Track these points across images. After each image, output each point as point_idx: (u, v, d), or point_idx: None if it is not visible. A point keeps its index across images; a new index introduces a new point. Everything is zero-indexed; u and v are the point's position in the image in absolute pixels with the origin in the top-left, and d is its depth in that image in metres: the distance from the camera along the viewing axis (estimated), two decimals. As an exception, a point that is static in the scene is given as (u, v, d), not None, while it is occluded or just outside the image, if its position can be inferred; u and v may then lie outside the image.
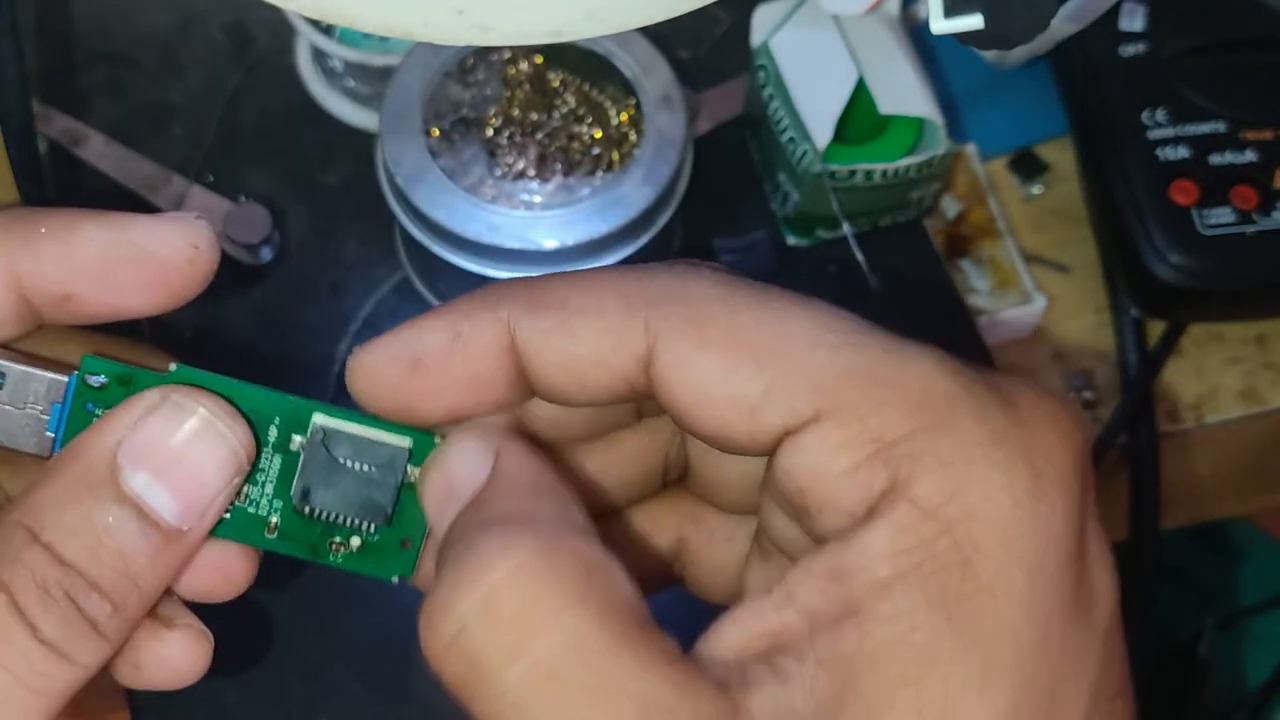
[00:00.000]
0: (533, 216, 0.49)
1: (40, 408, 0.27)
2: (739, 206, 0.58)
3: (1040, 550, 0.23)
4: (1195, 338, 0.58)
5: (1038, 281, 0.57)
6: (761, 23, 0.57)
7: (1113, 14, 0.58)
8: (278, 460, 0.28)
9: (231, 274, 0.56)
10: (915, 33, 0.58)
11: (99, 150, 0.58)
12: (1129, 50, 0.58)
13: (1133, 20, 0.59)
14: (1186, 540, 0.99)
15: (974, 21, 0.33)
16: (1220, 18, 0.58)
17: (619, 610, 0.23)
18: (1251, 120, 0.56)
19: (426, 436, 0.28)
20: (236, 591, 0.28)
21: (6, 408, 0.27)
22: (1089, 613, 0.24)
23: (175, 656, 0.27)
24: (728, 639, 0.23)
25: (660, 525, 0.31)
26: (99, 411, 0.27)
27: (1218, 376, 0.58)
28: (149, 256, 0.27)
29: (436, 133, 0.51)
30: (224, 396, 0.28)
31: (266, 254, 0.56)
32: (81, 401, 0.27)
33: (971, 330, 0.55)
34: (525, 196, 0.50)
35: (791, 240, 0.57)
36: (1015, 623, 0.22)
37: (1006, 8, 0.33)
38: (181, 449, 0.26)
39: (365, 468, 0.28)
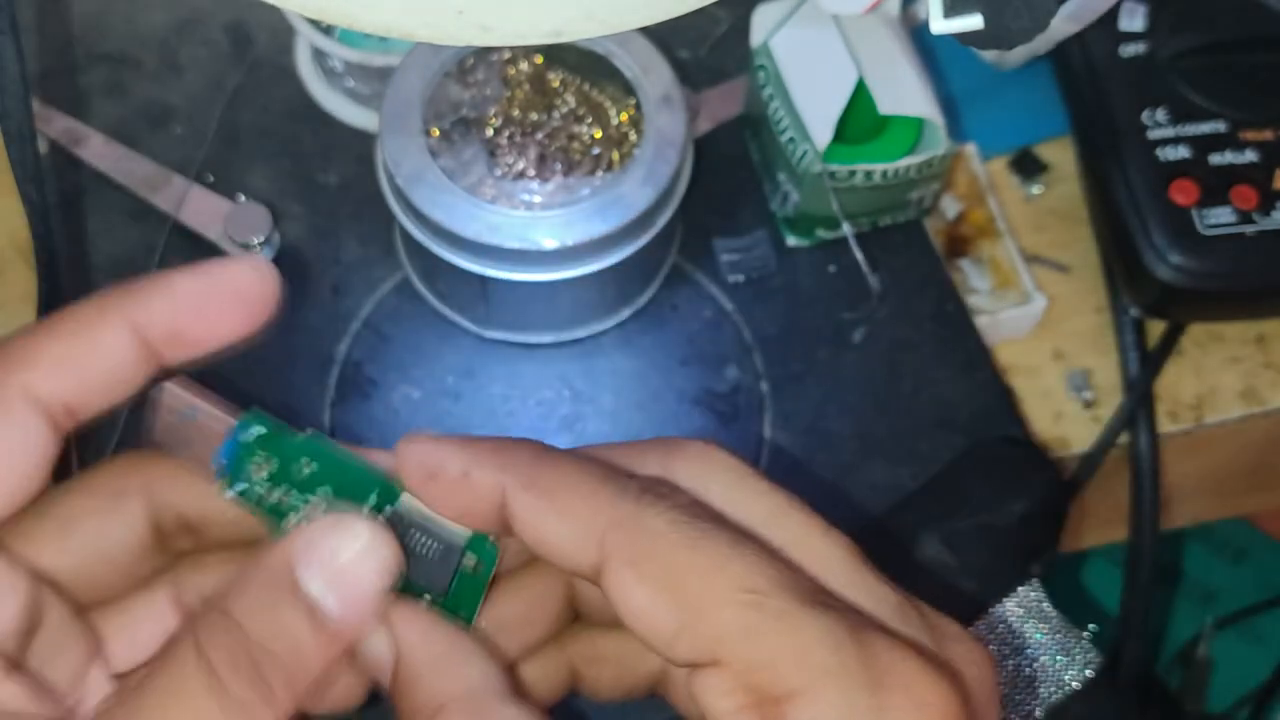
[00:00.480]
0: (533, 216, 0.49)
1: (219, 440, 0.35)
2: (739, 206, 0.58)
3: None
4: (1195, 338, 0.58)
5: (1038, 281, 0.58)
6: (761, 23, 0.57)
7: (1113, 14, 0.58)
8: None
9: (231, 274, 0.56)
10: (915, 33, 0.58)
11: (99, 150, 0.58)
12: (1129, 50, 0.58)
13: (1133, 20, 0.59)
14: (1186, 540, 0.99)
15: (974, 21, 0.33)
16: (1220, 18, 0.58)
17: None
18: (1251, 120, 0.56)
19: (482, 536, 0.34)
20: (348, 707, 0.35)
21: (195, 436, 0.35)
22: None
23: None
24: None
25: (553, 669, 0.36)
26: (257, 452, 0.35)
27: (1218, 376, 0.58)
28: (233, 290, 0.34)
29: (436, 133, 0.51)
30: (340, 467, 0.35)
31: (266, 254, 0.56)
32: (243, 443, 0.35)
33: (971, 330, 0.55)
34: (525, 196, 0.50)
35: (791, 240, 0.57)
36: None
37: (1006, 8, 0.33)
38: (347, 565, 0.32)
39: (433, 545, 0.34)
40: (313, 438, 0.35)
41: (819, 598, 0.30)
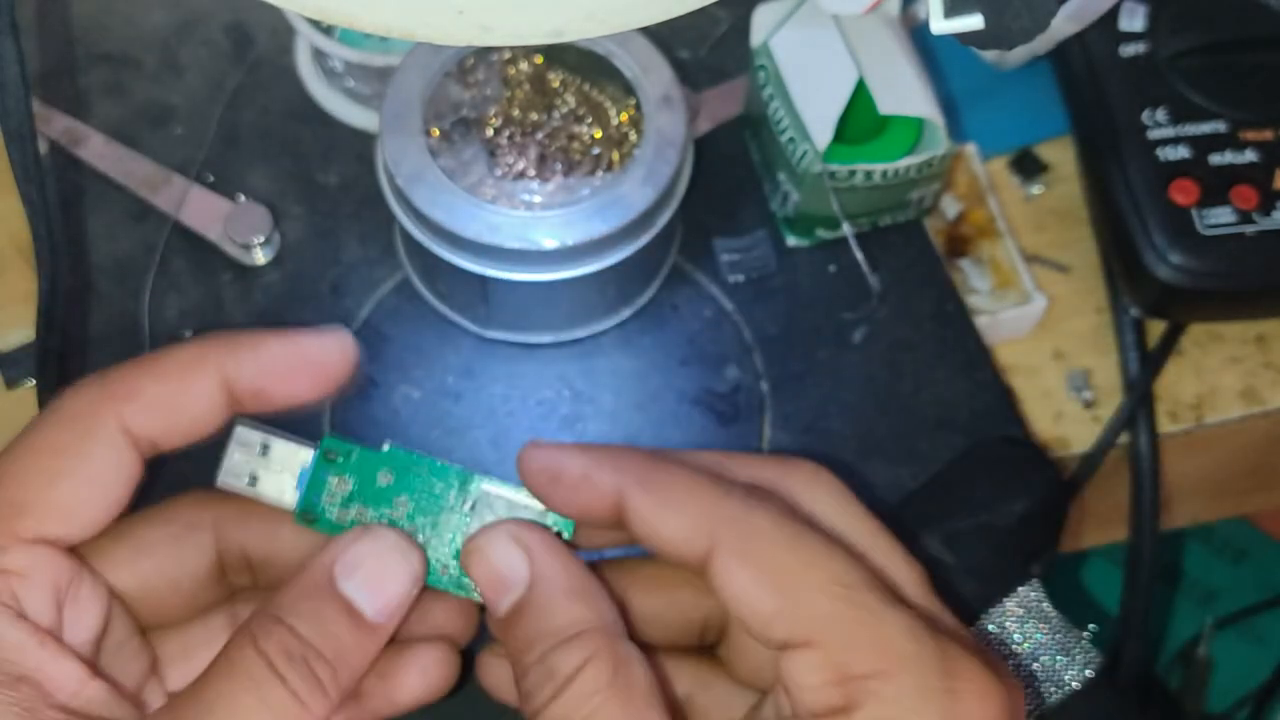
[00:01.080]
0: (533, 216, 0.49)
1: (291, 471, 0.38)
2: (739, 206, 0.58)
3: None
4: (1195, 338, 0.58)
5: (1038, 281, 0.58)
6: (761, 23, 0.57)
7: (1113, 14, 0.58)
8: (453, 518, 0.39)
9: (231, 274, 0.56)
10: (915, 33, 0.58)
11: (99, 150, 0.58)
12: (1129, 50, 0.58)
13: (1133, 20, 0.59)
14: (1186, 540, 0.99)
15: (974, 21, 0.33)
16: (1220, 18, 0.58)
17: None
18: (1251, 120, 0.56)
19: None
20: (440, 692, 0.39)
21: (266, 470, 0.38)
22: None
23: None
24: None
25: (676, 678, 0.39)
26: (334, 475, 0.39)
27: (1218, 376, 0.58)
28: (317, 358, 0.38)
29: (436, 133, 0.51)
30: (417, 468, 0.39)
31: (266, 254, 0.56)
32: (321, 469, 0.39)
33: (971, 330, 0.55)
34: (525, 196, 0.50)
35: (791, 240, 0.57)
36: None
37: (1007, 8, 0.33)
38: (379, 569, 0.36)
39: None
40: (391, 451, 0.39)
41: (899, 600, 0.34)
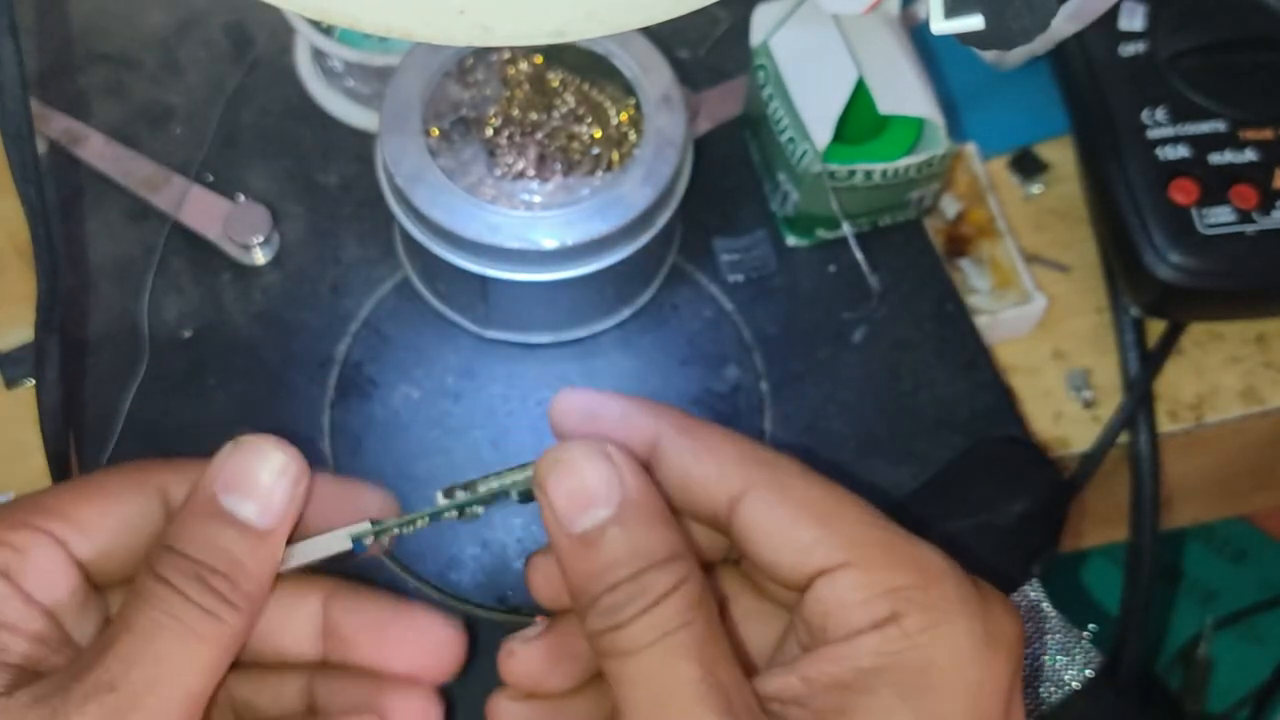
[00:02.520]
0: (533, 216, 0.49)
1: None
2: (739, 206, 0.58)
3: (979, 683, 0.34)
4: (1195, 338, 0.58)
5: (1038, 281, 0.58)
6: (761, 23, 0.57)
7: (1113, 14, 0.58)
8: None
9: (231, 274, 0.56)
10: (915, 33, 0.58)
11: (99, 150, 0.58)
12: (1129, 50, 0.58)
13: (1133, 20, 0.59)
14: (1186, 540, 0.99)
15: (974, 21, 0.33)
16: (1220, 18, 0.58)
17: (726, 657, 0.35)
18: (1251, 120, 0.56)
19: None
20: (448, 669, 0.40)
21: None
22: None
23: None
24: (763, 689, 0.35)
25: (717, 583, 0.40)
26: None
27: (1218, 376, 0.58)
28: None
29: (436, 133, 0.51)
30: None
31: (266, 254, 0.56)
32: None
33: (971, 330, 0.55)
34: (525, 196, 0.50)
35: (791, 240, 0.57)
36: (951, 716, 0.33)
37: (1007, 8, 0.33)
38: (254, 474, 0.37)
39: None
40: (429, 512, 0.40)
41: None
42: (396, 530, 0.39)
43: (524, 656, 0.40)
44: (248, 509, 0.37)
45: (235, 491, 0.37)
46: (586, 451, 0.36)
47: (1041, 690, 0.49)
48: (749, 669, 0.36)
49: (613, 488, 0.36)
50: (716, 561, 0.41)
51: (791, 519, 0.35)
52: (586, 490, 0.36)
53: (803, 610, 0.35)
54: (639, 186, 0.49)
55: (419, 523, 0.39)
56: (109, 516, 0.38)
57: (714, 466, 0.36)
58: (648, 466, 0.37)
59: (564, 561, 0.36)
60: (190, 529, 0.37)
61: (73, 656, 0.37)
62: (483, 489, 0.39)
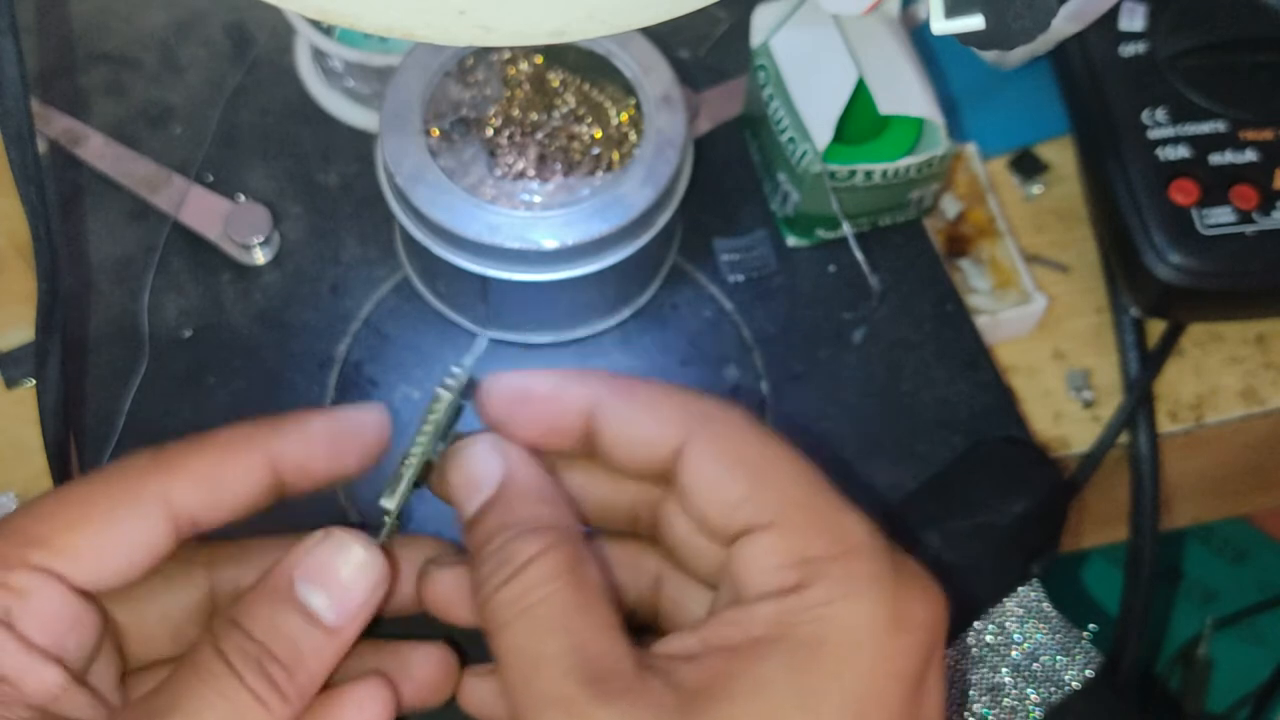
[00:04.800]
0: (533, 216, 0.49)
1: None
2: (739, 206, 0.58)
3: (871, 666, 0.33)
4: (1195, 338, 0.58)
5: (1038, 281, 0.58)
6: (761, 23, 0.57)
7: (1113, 14, 0.58)
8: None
9: (231, 274, 0.56)
10: (915, 33, 0.58)
11: (99, 150, 0.58)
12: (1129, 50, 0.58)
13: (1133, 20, 0.59)
14: (1186, 540, 0.99)
15: (974, 22, 0.33)
16: (1220, 18, 0.58)
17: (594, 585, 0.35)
18: (1251, 120, 0.56)
19: None
20: (441, 696, 0.40)
21: None
22: None
23: None
24: (664, 649, 0.35)
25: (643, 560, 0.40)
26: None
27: (1218, 376, 0.58)
28: (358, 433, 0.39)
29: (436, 133, 0.51)
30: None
31: (266, 254, 0.56)
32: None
33: (971, 330, 0.55)
34: (525, 196, 0.50)
35: (791, 240, 0.57)
36: (834, 699, 0.33)
37: (1008, 8, 0.33)
38: (345, 579, 0.37)
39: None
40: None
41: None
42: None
43: (477, 688, 0.40)
44: (320, 601, 0.36)
45: (313, 582, 0.36)
46: (473, 444, 0.38)
47: (1041, 690, 0.49)
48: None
49: (494, 473, 0.37)
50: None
51: (724, 474, 0.35)
52: (474, 477, 0.38)
53: (727, 568, 0.35)
54: (639, 187, 0.49)
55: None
56: (107, 540, 0.37)
57: (652, 423, 0.36)
58: (589, 434, 0.37)
59: (467, 546, 0.38)
60: (260, 609, 0.36)
61: (85, 693, 0.36)
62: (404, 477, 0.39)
